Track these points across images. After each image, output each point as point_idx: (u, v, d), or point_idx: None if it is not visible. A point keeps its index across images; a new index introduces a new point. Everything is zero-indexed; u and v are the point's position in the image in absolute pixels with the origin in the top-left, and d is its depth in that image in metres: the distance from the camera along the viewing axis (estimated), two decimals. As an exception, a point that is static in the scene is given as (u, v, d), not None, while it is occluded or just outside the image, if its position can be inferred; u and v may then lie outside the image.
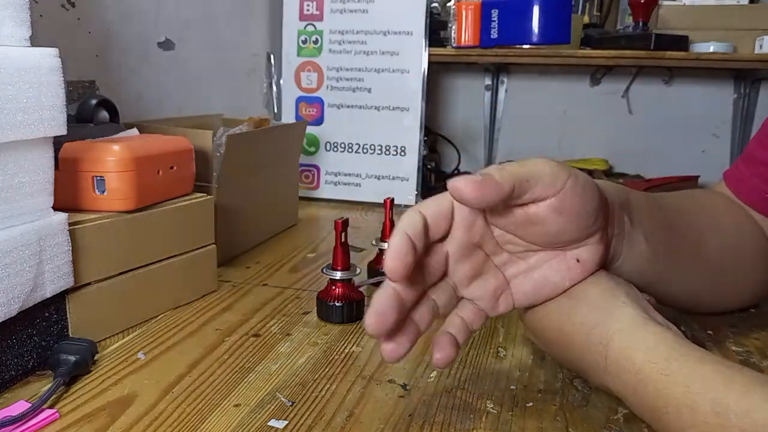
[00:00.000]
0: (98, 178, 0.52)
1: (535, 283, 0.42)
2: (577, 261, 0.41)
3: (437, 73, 1.51)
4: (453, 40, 1.16)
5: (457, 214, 0.39)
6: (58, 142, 0.48)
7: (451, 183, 0.35)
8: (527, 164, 0.37)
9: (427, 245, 0.38)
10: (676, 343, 0.36)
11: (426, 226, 0.37)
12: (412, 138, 1.13)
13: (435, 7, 1.28)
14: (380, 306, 0.35)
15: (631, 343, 0.37)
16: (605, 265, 0.44)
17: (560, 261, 0.41)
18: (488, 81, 1.49)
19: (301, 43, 1.17)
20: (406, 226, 0.36)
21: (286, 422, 0.40)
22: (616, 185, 0.47)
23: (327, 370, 0.48)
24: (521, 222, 0.39)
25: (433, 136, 1.45)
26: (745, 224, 0.56)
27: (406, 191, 1.13)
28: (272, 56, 1.23)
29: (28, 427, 0.38)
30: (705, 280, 0.53)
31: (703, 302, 0.57)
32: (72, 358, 0.45)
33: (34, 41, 0.43)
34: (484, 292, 0.41)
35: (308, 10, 1.16)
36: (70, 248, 0.47)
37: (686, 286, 0.52)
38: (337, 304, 0.57)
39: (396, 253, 0.35)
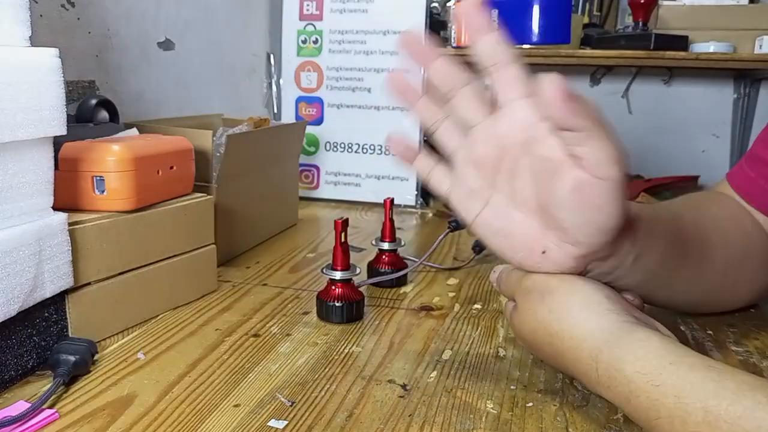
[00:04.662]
0: (98, 178, 0.52)
1: (499, 230, 0.43)
2: (543, 252, 0.42)
3: (437, 73, 1.51)
4: (453, 40, 1.16)
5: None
6: (58, 142, 0.48)
7: (548, 77, 0.35)
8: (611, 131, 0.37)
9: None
10: (665, 350, 0.36)
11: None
12: (411, 138, 1.13)
13: (435, 7, 1.28)
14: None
15: (619, 354, 0.37)
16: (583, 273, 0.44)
17: (534, 240, 0.42)
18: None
19: (300, 43, 1.17)
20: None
21: (286, 422, 0.40)
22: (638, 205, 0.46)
23: (327, 370, 0.48)
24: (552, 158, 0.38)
25: (433, 136, 1.45)
26: (752, 234, 0.55)
27: (405, 191, 1.13)
28: (272, 56, 1.23)
29: (28, 427, 0.38)
30: (704, 289, 0.53)
31: (701, 307, 0.57)
32: (72, 358, 0.45)
33: (34, 41, 0.43)
34: (478, 165, 0.43)
35: (308, 10, 1.16)
36: (70, 248, 0.47)
37: (682, 295, 0.52)
38: (337, 304, 0.57)
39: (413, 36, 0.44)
